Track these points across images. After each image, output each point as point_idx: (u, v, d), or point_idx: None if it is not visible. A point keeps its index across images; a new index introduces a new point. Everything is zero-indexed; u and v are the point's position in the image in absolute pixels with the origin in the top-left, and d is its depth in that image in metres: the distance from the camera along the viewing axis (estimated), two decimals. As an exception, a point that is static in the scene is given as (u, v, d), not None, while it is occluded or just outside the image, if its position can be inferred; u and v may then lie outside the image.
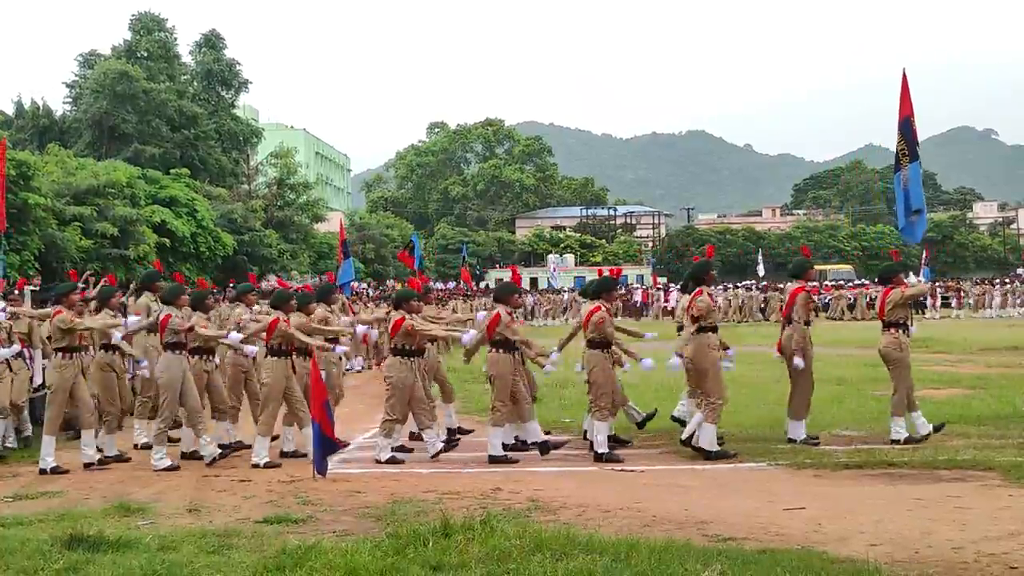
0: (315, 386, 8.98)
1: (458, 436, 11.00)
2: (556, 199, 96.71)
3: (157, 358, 10.52)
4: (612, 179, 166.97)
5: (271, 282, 35.93)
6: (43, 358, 11.34)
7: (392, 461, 9.69)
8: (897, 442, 9.92)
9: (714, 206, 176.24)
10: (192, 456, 10.15)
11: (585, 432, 10.40)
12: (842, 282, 50.97)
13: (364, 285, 35.81)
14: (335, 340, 10.73)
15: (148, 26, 45.96)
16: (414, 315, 10.05)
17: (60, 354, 9.84)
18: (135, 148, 39.09)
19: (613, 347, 9.94)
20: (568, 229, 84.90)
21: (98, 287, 11.63)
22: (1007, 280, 44.60)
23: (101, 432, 10.19)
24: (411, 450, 10.38)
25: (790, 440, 10.15)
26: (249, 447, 10.16)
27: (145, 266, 26.32)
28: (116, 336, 10.32)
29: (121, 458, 10.22)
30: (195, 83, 47.74)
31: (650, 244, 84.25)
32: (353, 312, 18.34)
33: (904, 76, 10.91)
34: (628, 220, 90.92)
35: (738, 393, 12.35)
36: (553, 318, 42.10)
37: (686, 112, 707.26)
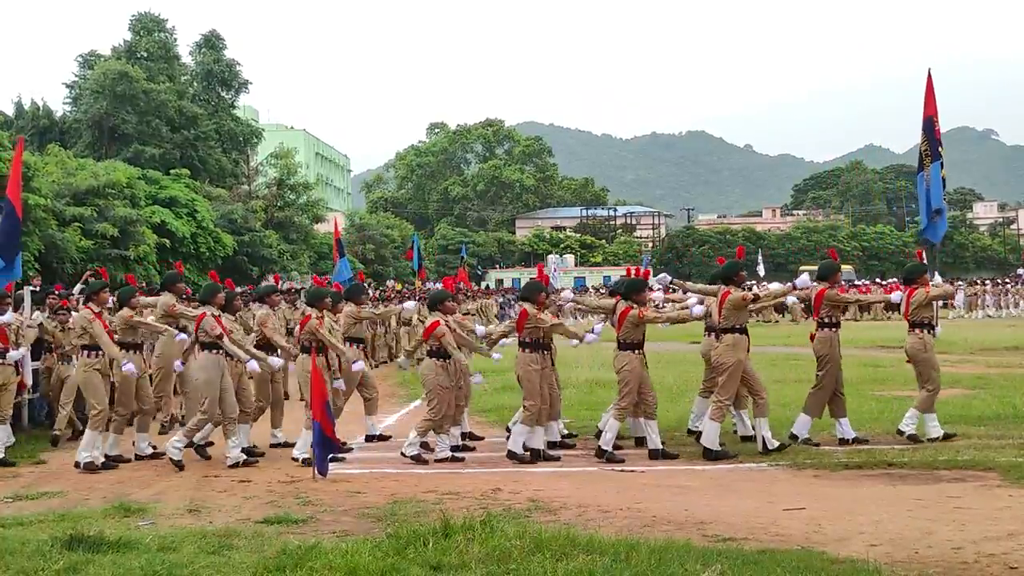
0: (315, 386, 8.98)
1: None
2: (556, 199, 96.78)
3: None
4: (612, 179, 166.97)
5: (271, 282, 35.93)
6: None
7: (448, 459, 9.66)
8: (936, 439, 9.94)
9: (714, 206, 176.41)
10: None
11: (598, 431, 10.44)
12: (842, 282, 50.97)
13: (364, 285, 35.79)
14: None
15: (148, 27, 45.98)
16: (449, 317, 10.04)
17: (86, 352, 9.84)
18: (135, 148, 39.12)
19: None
20: (568, 229, 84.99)
21: (85, 282, 11.60)
22: (1000, 280, 44.66)
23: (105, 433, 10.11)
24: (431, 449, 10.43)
25: (791, 436, 10.09)
26: (263, 454, 10.23)
27: (145, 267, 26.34)
28: (182, 336, 10.61)
29: (121, 459, 10.20)
30: (195, 84, 47.76)
31: (650, 244, 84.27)
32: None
33: (929, 76, 10.91)
34: (628, 220, 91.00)
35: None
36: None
37: (686, 112, 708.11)
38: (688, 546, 6.06)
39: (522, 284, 62.40)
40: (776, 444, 9.68)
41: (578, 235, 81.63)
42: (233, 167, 46.97)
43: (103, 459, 9.86)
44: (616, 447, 9.87)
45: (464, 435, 10.84)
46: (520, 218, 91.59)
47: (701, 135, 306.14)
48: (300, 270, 42.71)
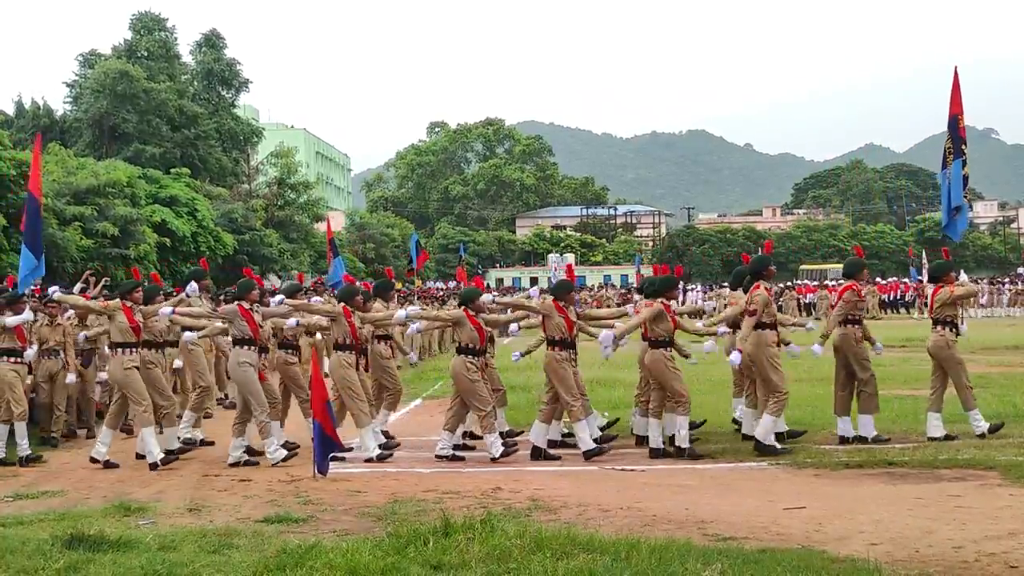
0: (316, 385, 8.98)
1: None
2: (556, 198, 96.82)
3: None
4: (612, 178, 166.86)
5: (272, 282, 35.90)
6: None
7: (505, 455, 9.62)
8: (984, 436, 9.93)
9: (714, 205, 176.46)
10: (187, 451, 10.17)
11: (632, 429, 10.46)
12: (842, 282, 50.99)
13: (356, 288, 35.82)
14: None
15: (148, 26, 46.02)
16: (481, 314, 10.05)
17: (121, 350, 9.85)
18: (135, 148, 39.14)
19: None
20: (568, 228, 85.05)
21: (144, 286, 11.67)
22: (994, 280, 44.69)
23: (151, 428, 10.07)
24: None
25: (859, 439, 10.05)
26: (297, 446, 10.24)
27: (146, 265, 26.33)
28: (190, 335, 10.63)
29: (184, 451, 10.27)
30: (195, 83, 47.80)
31: (650, 243, 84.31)
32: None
33: (955, 74, 10.92)
34: (628, 219, 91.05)
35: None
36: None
37: (686, 111, 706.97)
38: (688, 545, 6.05)
39: (522, 283, 62.21)
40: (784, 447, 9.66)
41: (578, 234, 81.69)
42: (233, 166, 47.01)
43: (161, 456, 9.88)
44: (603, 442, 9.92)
45: (465, 434, 10.85)
46: (520, 217, 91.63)
47: (701, 134, 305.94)
48: (300, 269, 42.73)
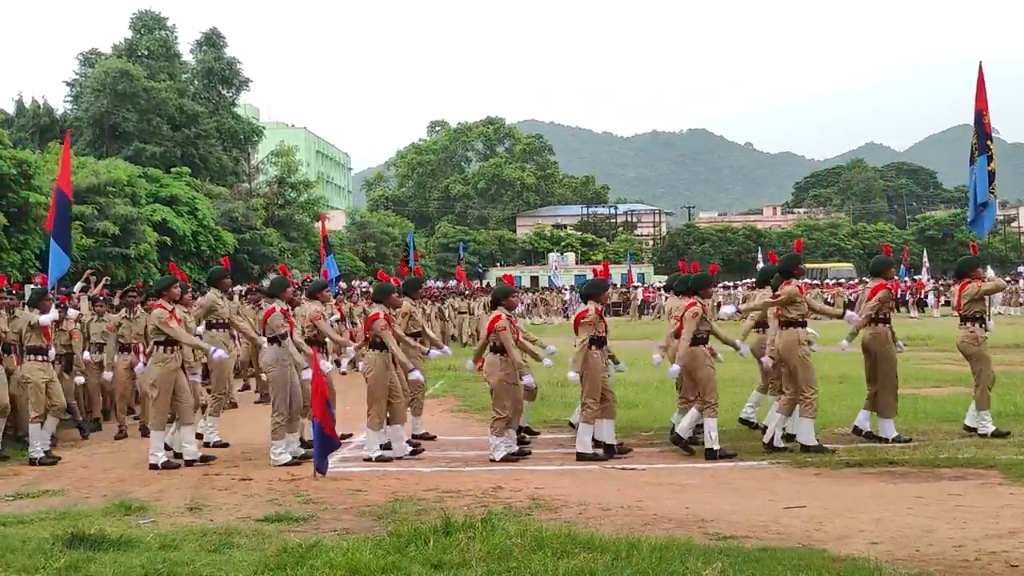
0: (316, 384, 8.97)
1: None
2: (557, 197, 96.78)
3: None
4: (613, 177, 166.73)
5: (322, 278, 35.80)
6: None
7: (507, 459, 9.58)
8: (985, 436, 9.93)
9: (715, 204, 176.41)
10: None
11: (673, 427, 10.40)
12: (842, 280, 50.98)
13: (365, 284, 35.80)
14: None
15: (149, 25, 46.01)
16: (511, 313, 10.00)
17: (161, 348, 9.80)
18: (136, 147, 39.13)
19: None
20: (569, 227, 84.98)
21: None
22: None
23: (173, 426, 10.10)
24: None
25: (880, 439, 10.02)
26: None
27: (146, 265, 26.33)
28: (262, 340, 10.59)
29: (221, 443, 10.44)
30: (196, 82, 47.78)
31: (651, 242, 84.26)
32: (341, 310, 18.33)
33: (980, 70, 10.91)
34: (629, 218, 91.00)
35: (742, 392, 12.34)
36: (557, 315, 42.10)
37: (687, 110, 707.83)
38: (689, 544, 6.05)
39: (522, 283, 62.09)
40: (782, 445, 9.70)
41: (579, 233, 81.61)
42: (234, 165, 46.99)
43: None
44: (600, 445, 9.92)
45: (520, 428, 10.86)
46: (521, 216, 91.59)
47: (702, 133, 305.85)
48: (301, 268, 42.72)
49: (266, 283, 26.07)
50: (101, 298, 13.25)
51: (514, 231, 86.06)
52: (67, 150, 11.65)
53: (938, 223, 78.54)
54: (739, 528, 6.62)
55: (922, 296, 43.48)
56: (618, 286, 50.61)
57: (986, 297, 10.46)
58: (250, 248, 35.94)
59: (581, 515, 7.14)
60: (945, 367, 16.72)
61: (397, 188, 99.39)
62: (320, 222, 49.18)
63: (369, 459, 9.75)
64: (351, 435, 10.77)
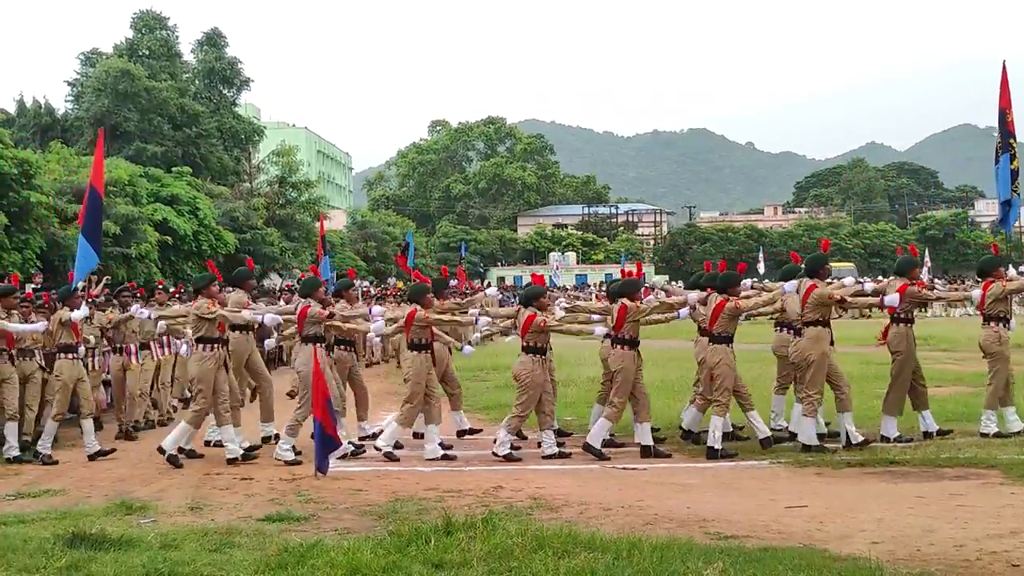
0: (317, 383, 8.97)
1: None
2: (558, 197, 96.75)
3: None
4: (614, 177, 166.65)
5: (273, 281, 35.94)
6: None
7: (509, 458, 9.60)
8: (986, 435, 9.89)
9: (716, 204, 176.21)
10: (192, 453, 10.17)
11: (680, 424, 10.47)
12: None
13: (366, 283, 35.80)
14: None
15: (150, 24, 45.99)
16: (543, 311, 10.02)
17: (200, 346, 9.81)
18: (137, 146, 39.10)
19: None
20: (570, 227, 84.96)
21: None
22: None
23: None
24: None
25: (883, 438, 10.02)
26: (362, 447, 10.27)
27: (147, 264, 26.33)
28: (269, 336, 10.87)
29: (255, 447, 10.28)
30: (197, 81, 47.76)
31: (651, 242, 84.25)
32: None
33: (1004, 68, 10.93)
34: (630, 218, 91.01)
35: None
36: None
37: (688, 110, 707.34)
38: (690, 544, 6.05)
39: (524, 282, 62.29)
40: (860, 439, 9.63)
41: (580, 233, 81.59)
42: (235, 165, 46.96)
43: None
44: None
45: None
46: (522, 216, 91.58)
47: (703, 133, 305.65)
48: (302, 268, 42.74)
49: (267, 283, 26.12)
50: (98, 299, 13.26)
51: (515, 231, 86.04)
52: (100, 148, 11.69)
53: (939, 223, 78.49)
54: (740, 528, 6.62)
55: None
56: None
57: (1009, 297, 10.44)
58: (251, 248, 35.90)
59: (582, 515, 7.14)
60: (946, 367, 16.68)
61: (398, 188, 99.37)
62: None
63: (379, 449, 9.85)
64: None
